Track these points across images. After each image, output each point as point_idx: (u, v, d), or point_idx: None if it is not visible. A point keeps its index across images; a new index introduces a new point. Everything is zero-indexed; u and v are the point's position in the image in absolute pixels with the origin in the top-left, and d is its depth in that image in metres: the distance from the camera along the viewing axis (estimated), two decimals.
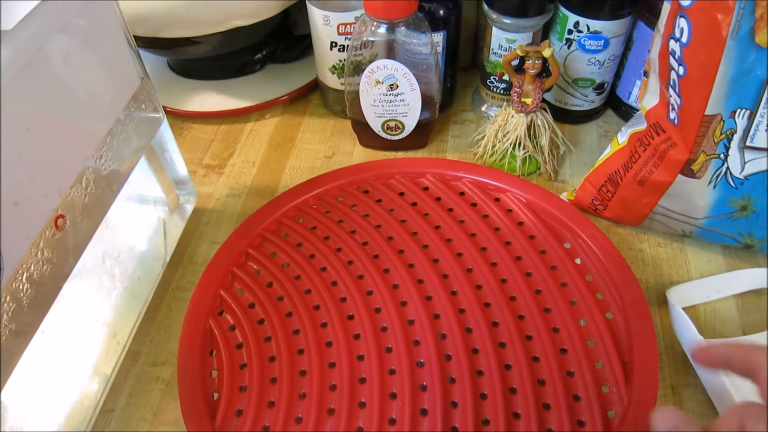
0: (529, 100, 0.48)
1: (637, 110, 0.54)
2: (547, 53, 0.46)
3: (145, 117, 0.39)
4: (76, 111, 0.33)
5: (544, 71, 0.48)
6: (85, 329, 0.38)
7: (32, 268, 0.29)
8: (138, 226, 0.43)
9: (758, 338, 0.38)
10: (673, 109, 0.39)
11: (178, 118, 0.59)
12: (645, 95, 0.42)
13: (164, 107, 0.58)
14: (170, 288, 0.45)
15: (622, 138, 0.44)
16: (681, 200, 0.41)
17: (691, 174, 0.39)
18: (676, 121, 0.39)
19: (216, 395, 0.37)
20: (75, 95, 0.32)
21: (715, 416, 0.36)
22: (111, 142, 0.35)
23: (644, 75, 0.43)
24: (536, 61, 0.46)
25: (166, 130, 0.43)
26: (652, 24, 0.47)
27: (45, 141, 0.30)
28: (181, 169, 0.46)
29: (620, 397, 0.35)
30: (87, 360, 0.38)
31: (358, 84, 0.49)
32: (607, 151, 0.46)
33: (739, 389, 0.34)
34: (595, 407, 0.35)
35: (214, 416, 0.36)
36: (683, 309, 0.39)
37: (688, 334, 0.37)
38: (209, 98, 0.59)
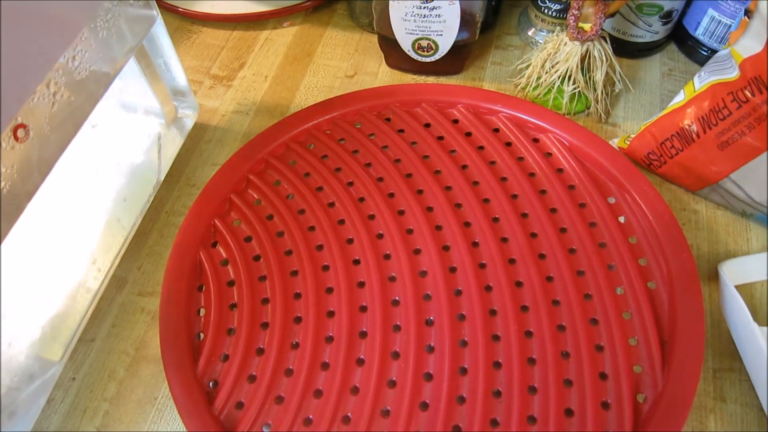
0: (587, 26, 0.40)
1: (705, 46, 0.47)
2: None
3: (133, 14, 0.33)
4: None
5: None
6: (64, 253, 0.34)
7: None
8: (127, 139, 0.39)
9: None
10: None
11: (187, 19, 0.53)
12: (741, 38, 0.35)
13: (172, 6, 0.52)
14: (163, 211, 0.41)
15: (700, 84, 0.37)
16: (757, 183, 0.35)
17: None
18: None
19: (201, 336, 0.34)
20: None
21: (758, 405, 0.32)
22: (88, 40, 0.30)
23: (745, 14, 0.35)
24: None
25: (161, 33, 0.37)
26: None
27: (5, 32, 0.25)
28: (180, 78, 0.41)
29: (654, 380, 0.31)
30: (66, 284, 0.34)
31: None
32: (679, 99, 0.38)
33: None
34: (624, 388, 0.31)
35: (196, 360, 0.33)
36: (737, 286, 0.33)
37: (739, 316, 0.32)
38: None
